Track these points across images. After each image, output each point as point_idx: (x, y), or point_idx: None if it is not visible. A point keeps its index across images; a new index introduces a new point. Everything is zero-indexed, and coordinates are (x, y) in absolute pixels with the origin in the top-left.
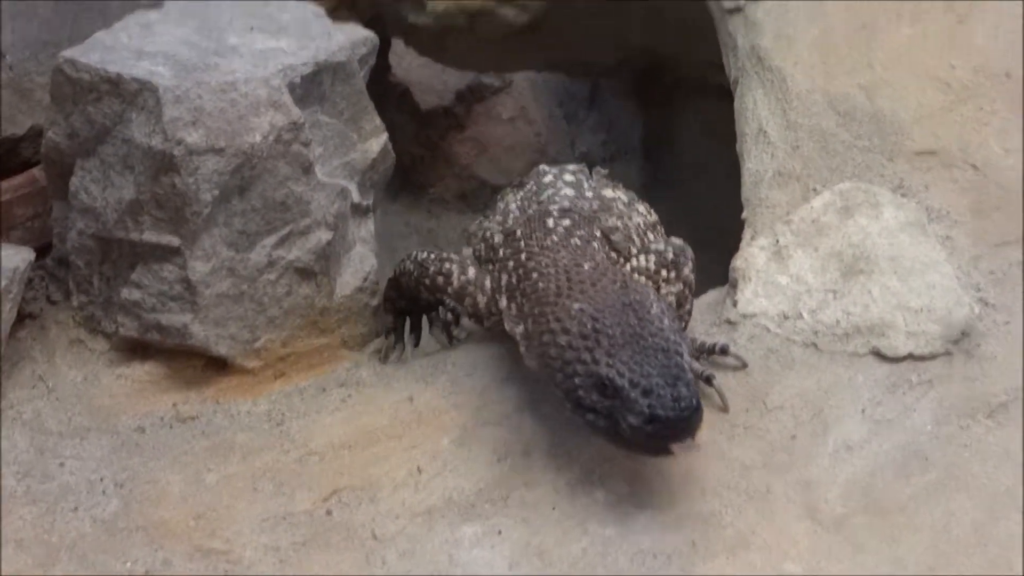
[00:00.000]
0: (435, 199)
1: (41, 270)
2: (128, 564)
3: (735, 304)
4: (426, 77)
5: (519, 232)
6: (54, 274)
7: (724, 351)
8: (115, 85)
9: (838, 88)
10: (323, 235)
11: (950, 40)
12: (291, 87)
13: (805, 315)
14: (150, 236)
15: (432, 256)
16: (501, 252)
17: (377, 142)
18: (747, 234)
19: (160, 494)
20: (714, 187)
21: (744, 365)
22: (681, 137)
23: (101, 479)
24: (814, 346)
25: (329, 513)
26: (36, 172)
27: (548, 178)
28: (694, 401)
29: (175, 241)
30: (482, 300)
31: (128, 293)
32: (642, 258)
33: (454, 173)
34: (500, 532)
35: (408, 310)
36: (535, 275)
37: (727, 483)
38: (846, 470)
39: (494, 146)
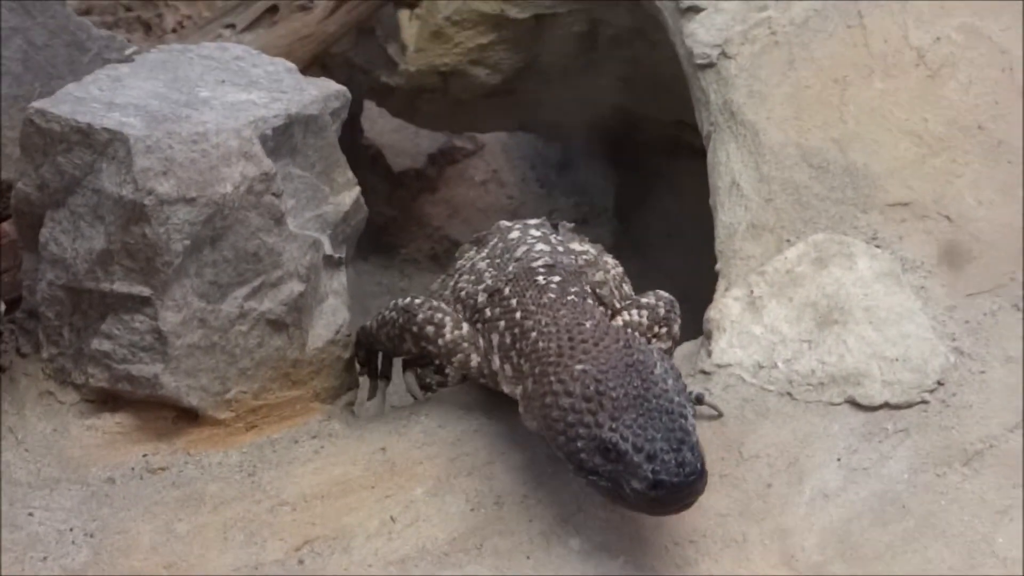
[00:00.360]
0: (407, 259)
1: (12, 324)
2: None
3: (709, 354)
4: (398, 140)
5: (508, 291)
6: (24, 327)
7: (699, 400)
8: (85, 135)
9: (811, 142)
10: (295, 287)
11: (922, 95)
12: (263, 139)
13: (780, 365)
14: (121, 286)
15: (419, 302)
16: (488, 312)
17: (349, 195)
18: (721, 285)
19: (130, 544)
20: (686, 248)
21: (720, 414)
22: (653, 198)
23: (71, 529)
24: (789, 395)
25: (301, 563)
26: (6, 226)
27: (514, 234)
28: (699, 466)
29: (146, 291)
30: (475, 359)
31: (98, 344)
32: (634, 313)
33: (426, 234)
34: None
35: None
36: (534, 334)
37: (702, 531)
38: (823, 518)
39: (466, 208)
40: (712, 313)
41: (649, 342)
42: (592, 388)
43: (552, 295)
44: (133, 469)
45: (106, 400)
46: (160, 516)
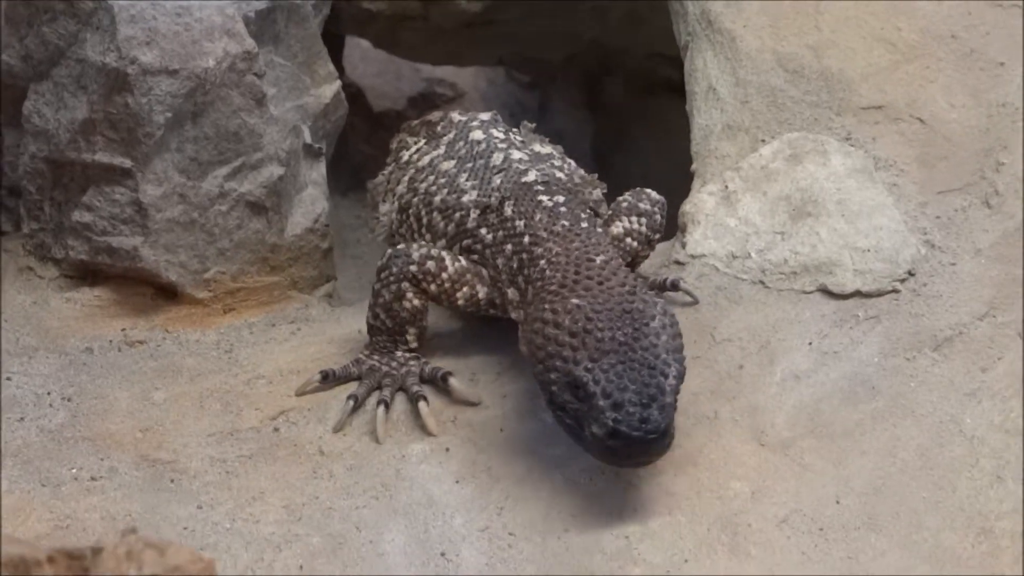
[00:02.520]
0: None
1: None
2: (74, 471)
3: (684, 246)
4: (380, 84)
5: (510, 211)
6: (4, 204)
7: (675, 286)
8: (70, 4)
9: (787, 48)
10: (275, 170)
11: (896, 5)
12: (245, 20)
13: (753, 255)
14: (102, 157)
15: (409, 245)
16: (487, 235)
17: (330, 88)
18: (696, 184)
19: (107, 408)
20: (663, 186)
21: (696, 301)
22: (629, 140)
23: (48, 393)
24: (762, 284)
25: (277, 430)
26: None
27: (477, 135)
28: (663, 426)
29: (127, 162)
30: (482, 290)
31: (79, 215)
32: (634, 220)
33: None
34: (448, 450)
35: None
36: (543, 262)
37: None
38: (793, 397)
39: None
40: (687, 207)
41: (648, 246)
42: (580, 324)
43: (565, 222)
44: (111, 341)
45: (85, 276)
46: (137, 384)
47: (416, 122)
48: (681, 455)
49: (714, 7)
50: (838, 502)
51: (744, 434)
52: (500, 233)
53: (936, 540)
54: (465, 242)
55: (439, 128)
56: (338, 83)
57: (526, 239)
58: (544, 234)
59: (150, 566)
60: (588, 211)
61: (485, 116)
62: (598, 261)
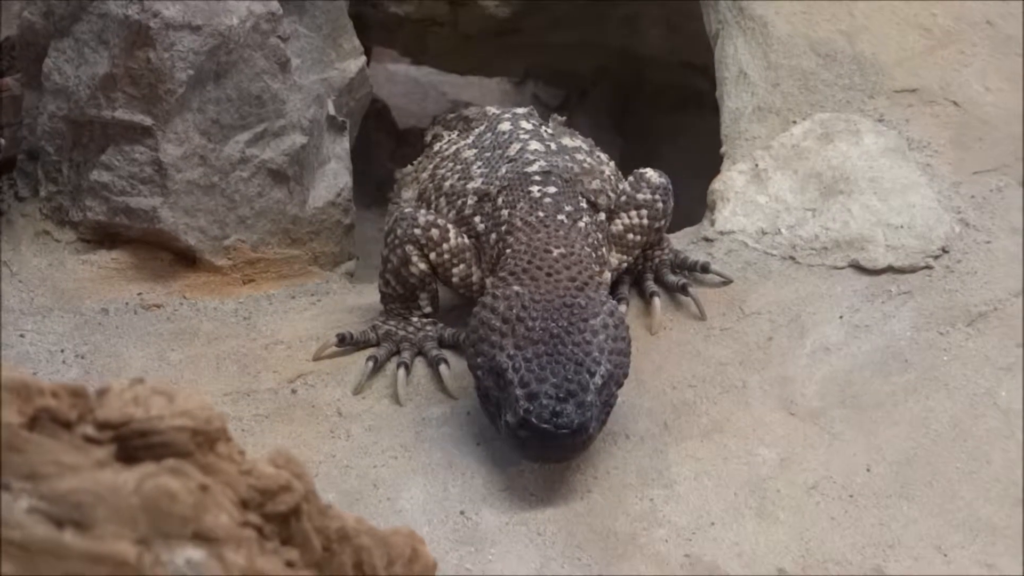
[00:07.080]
0: None
1: (10, 179)
2: None
3: (712, 223)
4: (406, 103)
5: (500, 200)
6: (23, 169)
7: (705, 269)
8: None
9: (819, 33)
10: (298, 139)
11: None
12: None
13: (783, 231)
14: (122, 114)
15: (418, 210)
16: (479, 223)
17: (355, 63)
18: (726, 164)
19: (122, 367)
20: (691, 207)
21: (729, 281)
22: (659, 160)
23: (62, 351)
24: (792, 259)
25: (294, 392)
26: (10, 81)
27: (504, 125)
28: (576, 423)
29: (147, 120)
30: (476, 273)
31: (97, 175)
32: (633, 215)
33: None
34: (468, 413)
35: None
36: (508, 251)
37: (702, 377)
38: (823, 368)
39: None
40: (716, 185)
41: (654, 237)
42: (514, 312)
43: (542, 213)
44: (127, 304)
45: (102, 240)
46: (153, 345)
47: (452, 116)
48: (708, 423)
49: None
50: (869, 470)
51: (773, 403)
52: (490, 223)
53: (971, 510)
54: (461, 229)
55: (473, 123)
56: (363, 59)
57: (503, 228)
58: (518, 223)
59: (158, 410)
60: (581, 202)
61: (520, 111)
62: (555, 253)
